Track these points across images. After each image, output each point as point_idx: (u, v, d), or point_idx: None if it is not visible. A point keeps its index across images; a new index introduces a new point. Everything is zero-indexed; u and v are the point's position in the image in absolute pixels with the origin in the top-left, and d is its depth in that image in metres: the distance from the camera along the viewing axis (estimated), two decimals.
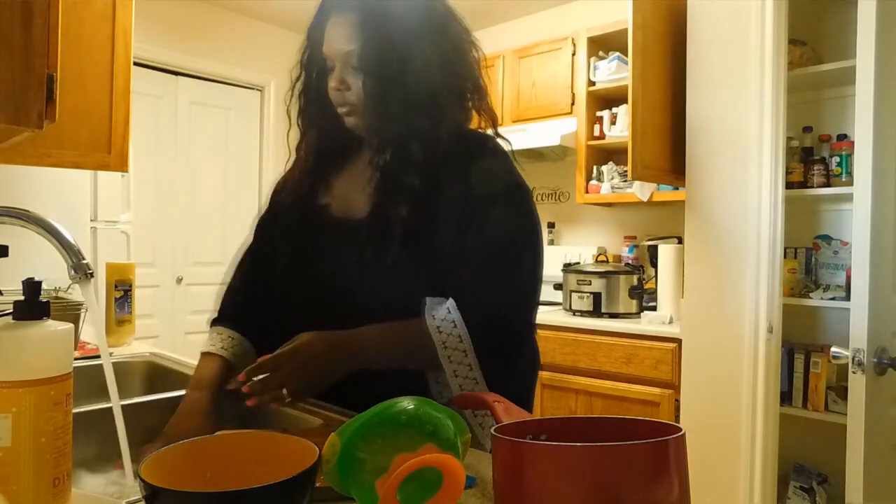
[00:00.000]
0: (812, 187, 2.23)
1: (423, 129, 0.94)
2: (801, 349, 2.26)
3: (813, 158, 2.27)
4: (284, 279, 1.06)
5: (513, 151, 1.01)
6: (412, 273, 0.92)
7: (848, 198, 2.02)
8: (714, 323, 2.08)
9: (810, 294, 2.25)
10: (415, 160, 0.93)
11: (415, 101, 0.93)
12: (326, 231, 1.01)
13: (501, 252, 0.92)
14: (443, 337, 0.89)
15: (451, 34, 0.99)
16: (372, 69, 0.93)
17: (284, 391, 0.85)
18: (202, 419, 0.92)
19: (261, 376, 0.85)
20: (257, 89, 3.95)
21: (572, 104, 3.06)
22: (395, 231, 0.91)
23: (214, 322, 1.08)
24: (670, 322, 2.47)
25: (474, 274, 0.92)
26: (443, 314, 0.90)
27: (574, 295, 2.76)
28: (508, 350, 0.96)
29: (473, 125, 1.04)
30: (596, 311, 2.69)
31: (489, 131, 1.03)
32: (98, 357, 1.34)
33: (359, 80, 0.94)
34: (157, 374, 1.38)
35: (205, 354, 1.02)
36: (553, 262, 3.28)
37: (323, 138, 1.05)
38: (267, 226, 1.13)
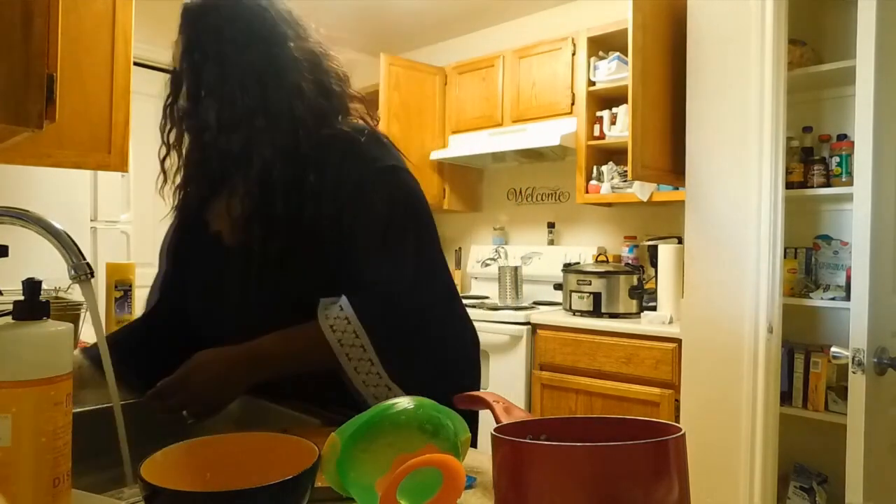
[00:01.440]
0: (812, 187, 2.23)
1: (275, 138, 0.94)
2: (801, 349, 2.26)
3: (813, 158, 2.27)
4: (186, 306, 1.07)
5: (385, 138, 1.01)
6: (298, 282, 0.93)
7: (848, 198, 2.02)
8: (714, 323, 2.08)
9: (810, 294, 2.25)
10: (278, 170, 0.93)
11: (237, 115, 0.94)
12: (211, 254, 1.03)
13: (378, 240, 0.92)
14: (337, 335, 0.88)
15: (276, 36, 0.97)
16: (192, 88, 0.96)
17: (185, 413, 0.87)
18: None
19: (159, 402, 0.86)
20: None
21: (572, 104, 3.06)
22: (268, 251, 0.92)
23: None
24: (670, 322, 2.47)
25: (358, 265, 0.91)
26: (335, 312, 0.89)
27: (574, 295, 2.76)
28: (411, 339, 0.93)
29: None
30: (596, 311, 2.69)
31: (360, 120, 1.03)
32: None
33: (192, 97, 0.97)
34: None
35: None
36: (553, 262, 3.28)
37: (191, 156, 1.06)
38: (164, 256, 1.16)
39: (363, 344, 0.87)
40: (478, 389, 1.00)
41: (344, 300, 0.89)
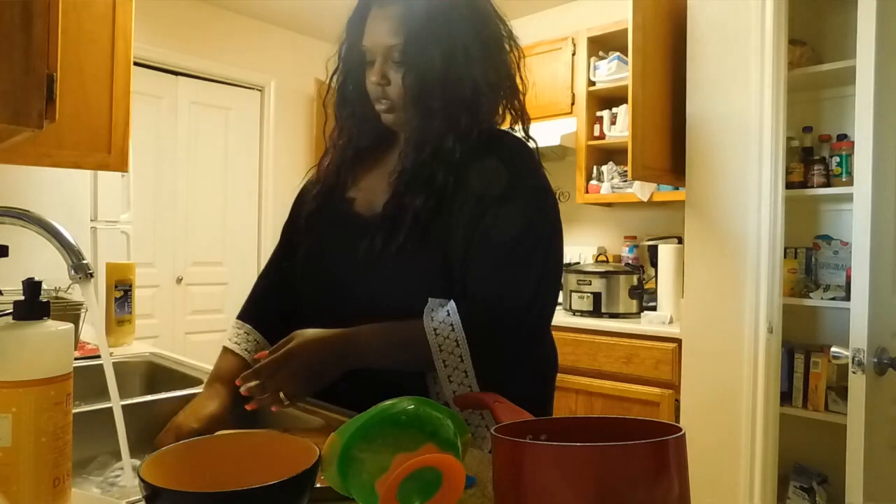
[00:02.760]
0: (812, 187, 2.23)
1: (460, 126, 0.92)
2: (801, 349, 2.26)
3: (813, 158, 2.27)
4: (301, 272, 1.04)
5: (538, 148, 1.00)
6: (419, 267, 0.90)
7: (848, 198, 2.02)
8: (714, 323, 2.08)
9: (810, 294, 2.25)
10: (445, 156, 0.91)
11: (454, 98, 0.92)
12: (345, 224, 1.00)
13: (509, 252, 0.89)
14: (439, 340, 0.86)
15: (492, 31, 0.98)
16: (414, 65, 0.91)
17: (282, 395, 0.85)
18: (220, 407, 0.92)
19: (256, 382, 0.84)
20: (257, 89, 3.94)
21: (572, 104, 3.06)
22: (406, 221, 0.90)
23: (238, 316, 1.09)
24: (670, 322, 2.47)
25: (479, 273, 0.89)
26: (442, 316, 0.86)
27: (574, 295, 2.76)
28: (510, 355, 0.93)
29: (505, 125, 1.03)
30: (596, 311, 2.69)
31: (519, 131, 1.01)
32: (98, 357, 1.34)
33: (400, 75, 0.93)
34: (157, 374, 1.38)
35: (224, 350, 1.03)
36: None
37: (358, 132, 1.04)
38: (293, 219, 1.12)
39: (462, 354, 0.86)
40: (550, 415, 0.99)
41: (452, 306, 0.87)
